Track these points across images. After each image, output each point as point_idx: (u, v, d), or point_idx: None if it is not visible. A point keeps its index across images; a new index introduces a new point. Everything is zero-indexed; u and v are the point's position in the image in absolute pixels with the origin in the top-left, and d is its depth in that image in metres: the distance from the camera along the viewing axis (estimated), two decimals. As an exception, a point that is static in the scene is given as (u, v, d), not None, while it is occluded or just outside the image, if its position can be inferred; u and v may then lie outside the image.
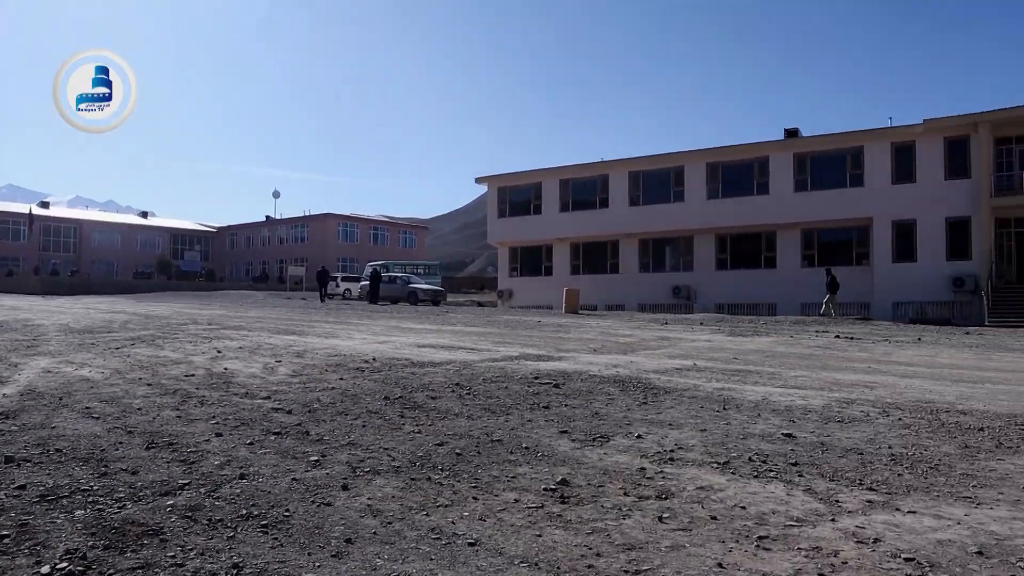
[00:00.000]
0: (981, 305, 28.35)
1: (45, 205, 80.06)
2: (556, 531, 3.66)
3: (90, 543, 3.34)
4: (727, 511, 3.99)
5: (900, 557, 3.34)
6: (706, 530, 3.70)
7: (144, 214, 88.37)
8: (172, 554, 3.26)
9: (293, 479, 4.35)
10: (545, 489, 4.31)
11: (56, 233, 72.32)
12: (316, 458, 4.84)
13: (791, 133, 37.34)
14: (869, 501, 4.20)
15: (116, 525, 3.56)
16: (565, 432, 5.82)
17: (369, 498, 4.08)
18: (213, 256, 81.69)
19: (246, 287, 60.33)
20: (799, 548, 3.45)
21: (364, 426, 5.85)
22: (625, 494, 4.27)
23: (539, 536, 3.58)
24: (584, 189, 40.96)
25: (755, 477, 4.68)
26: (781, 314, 29.20)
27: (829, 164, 34.21)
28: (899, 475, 4.78)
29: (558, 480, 4.46)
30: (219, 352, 10.21)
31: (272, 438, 5.34)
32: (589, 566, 3.24)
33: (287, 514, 3.77)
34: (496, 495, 4.21)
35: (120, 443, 5.09)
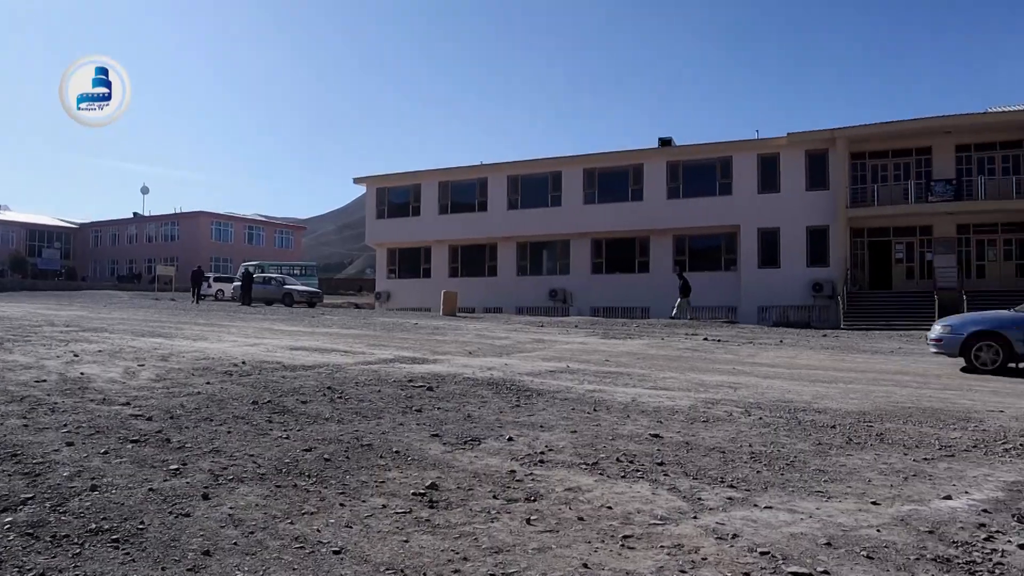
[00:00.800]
0: (837, 309, 30.03)
1: None
2: (423, 536, 3.63)
3: (-85, 565, 3.09)
4: (594, 511, 4.06)
5: (756, 551, 3.48)
6: (573, 531, 3.75)
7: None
8: None
9: (150, 489, 4.15)
10: (414, 494, 4.27)
11: None
12: (176, 467, 4.63)
13: (665, 142, 38.49)
14: (730, 498, 4.36)
15: (-54, 544, 3.30)
16: (437, 435, 5.79)
17: (231, 507, 3.93)
18: (75, 254, 77.12)
19: (111, 287, 57.33)
20: (662, 546, 3.54)
21: (229, 432, 5.65)
22: (494, 497, 4.28)
23: (406, 542, 3.54)
24: (463, 192, 40.99)
25: (622, 477, 4.78)
26: (654, 317, 30.03)
27: (700, 173, 35.45)
28: (758, 472, 4.99)
29: (427, 484, 4.42)
30: (76, 356, 9.65)
31: (129, 446, 5.08)
32: (455, 571, 3.22)
33: (141, 527, 3.59)
34: (364, 501, 4.14)
35: (-44, 455, 4.72)
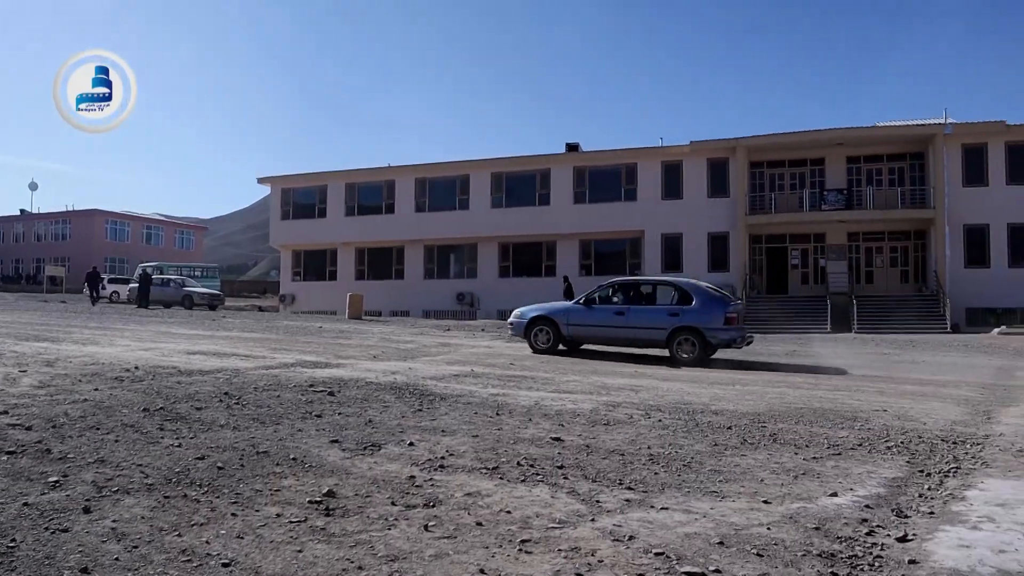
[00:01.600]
0: (737, 313, 30.99)
1: None
2: (318, 545, 3.54)
3: None
4: (493, 516, 4.05)
5: (652, 552, 3.52)
6: (471, 536, 3.73)
7: None
8: None
9: (25, 504, 3.91)
10: (310, 502, 4.17)
11: None
12: (56, 479, 4.39)
13: (572, 147, 38.95)
14: (627, 500, 4.42)
15: None
16: (336, 441, 5.69)
17: (115, 520, 3.75)
18: (-47, 253, 73.10)
19: (-6, 288, 54.56)
20: (559, 549, 3.55)
21: (117, 441, 5.40)
22: (392, 503, 4.22)
23: (299, 552, 3.45)
24: (370, 194, 40.57)
25: (522, 481, 4.79)
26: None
27: (606, 178, 36.08)
28: (656, 473, 5.07)
29: (324, 492, 4.33)
30: (-50, 362, 9.11)
31: (4, 458, 4.78)
32: (349, 580, 3.16)
33: (12, 545, 3.38)
34: (257, 510, 4.02)
35: None
